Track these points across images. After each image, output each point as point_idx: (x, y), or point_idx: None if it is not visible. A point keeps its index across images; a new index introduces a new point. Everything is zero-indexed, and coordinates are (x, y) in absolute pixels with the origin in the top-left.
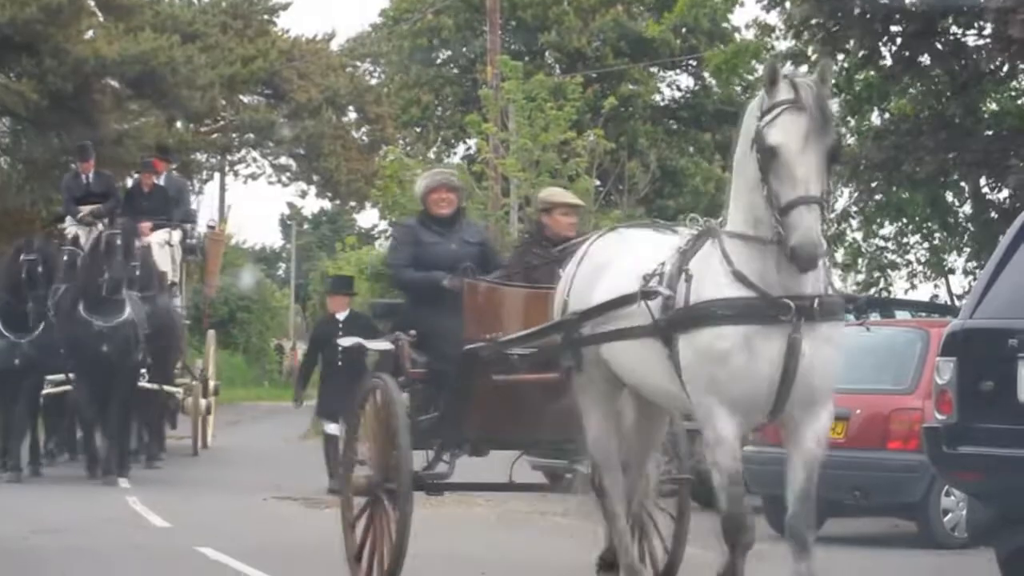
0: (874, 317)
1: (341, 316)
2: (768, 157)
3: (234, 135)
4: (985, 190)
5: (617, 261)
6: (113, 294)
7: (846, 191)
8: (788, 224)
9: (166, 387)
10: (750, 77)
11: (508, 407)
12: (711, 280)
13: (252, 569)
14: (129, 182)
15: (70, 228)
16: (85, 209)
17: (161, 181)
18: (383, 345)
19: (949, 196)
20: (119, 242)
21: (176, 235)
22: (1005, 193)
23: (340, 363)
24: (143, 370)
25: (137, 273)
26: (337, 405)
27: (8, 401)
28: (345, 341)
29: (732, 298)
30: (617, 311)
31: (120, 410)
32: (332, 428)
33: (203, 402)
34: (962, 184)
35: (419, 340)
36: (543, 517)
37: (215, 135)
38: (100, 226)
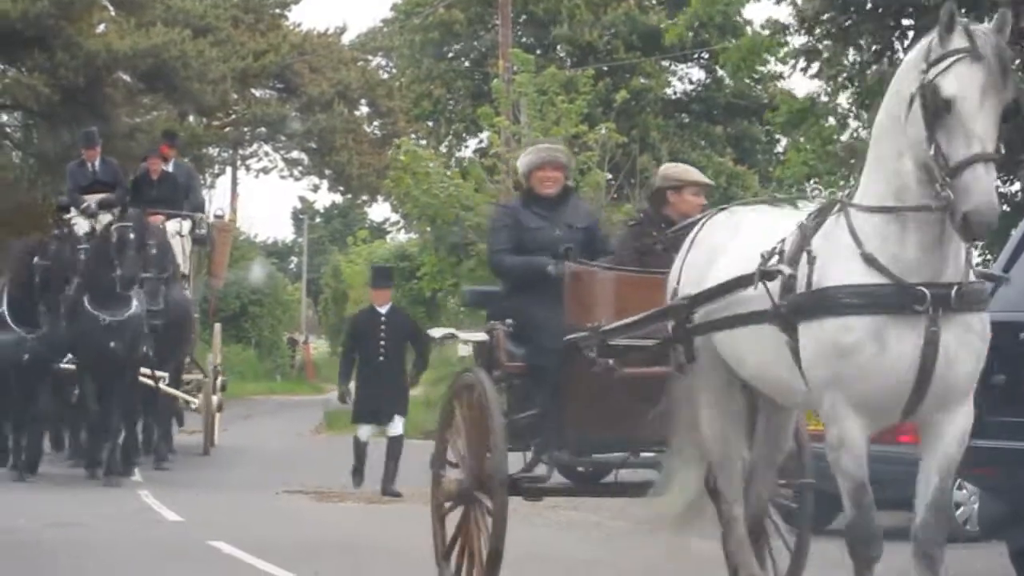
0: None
1: (383, 309)
2: (939, 111)
3: (246, 129)
4: (996, 184)
5: (731, 242)
6: (126, 290)
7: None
8: (960, 186)
9: (171, 390)
10: (763, 70)
11: (612, 404)
12: (838, 263)
13: (265, 563)
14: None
15: (76, 220)
16: (92, 199)
17: (169, 168)
18: (477, 336)
19: None
20: (131, 236)
21: (186, 225)
22: (1016, 187)
23: (382, 359)
24: (148, 363)
25: (153, 252)
26: (376, 407)
27: (17, 397)
28: (436, 332)
29: (861, 285)
30: (732, 295)
31: (125, 407)
32: (364, 433)
33: (215, 399)
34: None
35: (516, 331)
36: (554, 511)
37: (227, 129)
38: (107, 216)
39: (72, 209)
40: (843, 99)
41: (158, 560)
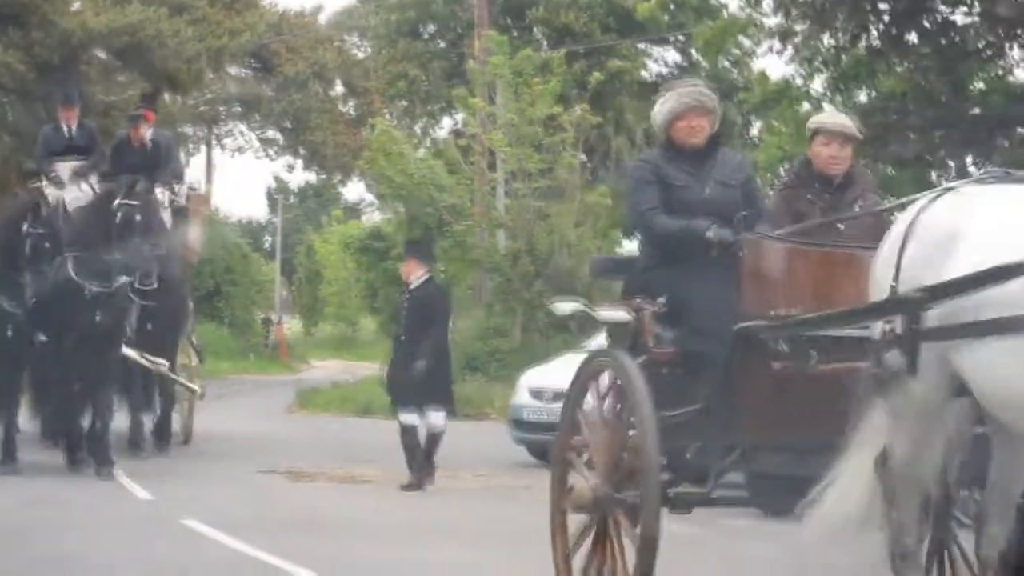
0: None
1: (412, 284)
2: None
3: (221, 108)
4: (971, 169)
5: (971, 229)
6: (124, 276)
7: None
8: None
9: (178, 378)
10: (737, 52)
11: (794, 404)
12: None
13: (238, 541)
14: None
15: (49, 190)
16: (64, 166)
17: (150, 135)
18: (618, 315)
19: (935, 175)
20: (138, 218)
21: (166, 195)
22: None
23: (403, 339)
24: (146, 346)
25: (155, 231)
26: (409, 391)
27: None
28: (563, 307)
29: None
30: (985, 293)
31: (109, 387)
32: (409, 418)
33: (199, 384)
34: (949, 163)
35: (668, 310)
36: (528, 491)
37: (202, 108)
38: (83, 187)
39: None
40: (818, 83)
41: (131, 538)
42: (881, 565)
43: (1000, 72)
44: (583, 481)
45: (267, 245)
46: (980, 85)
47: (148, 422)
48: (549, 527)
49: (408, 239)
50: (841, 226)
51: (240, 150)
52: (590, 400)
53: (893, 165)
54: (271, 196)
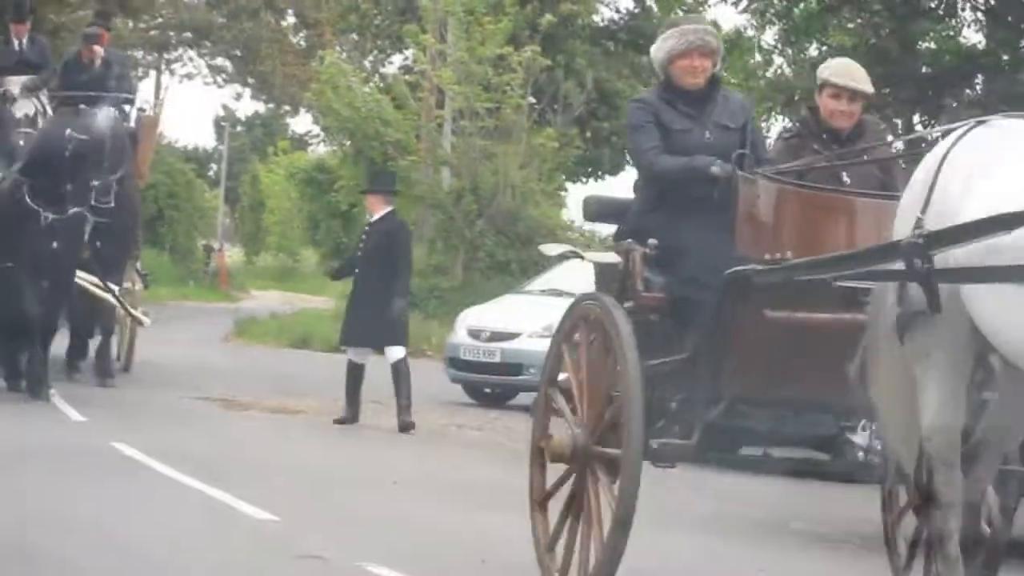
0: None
1: (372, 218)
2: None
3: (172, 33)
4: (918, 127)
5: (1004, 165)
6: (75, 206)
7: (780, 119)
8: None
9: (128, 307)
10: (690, 0)
11: (784, 356)
12: None
13: (165, 467)
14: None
15: None
16: (13, 80)
17: (102, 54)
18: (607, 257)
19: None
20: (90, 153)
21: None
22: (938, 131)
23: (358, 272)
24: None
25: (109, 153)
26: (359, 332)
27: None
28: (551, 248)
29: None
30: (1002, 237)
31: (58, 313)
32: (359, 356)
33: (142, 311)
34: (895, 120)
35: (660, 255)
36: (459, 431)
37: (152, 32)
38: (34, 102)
39: None
40: (769, 35)
41: (58, 460)
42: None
43: (951, 32)
44: (564, 429)
45: (212, 173)
46: (931, 44)
47: (90, 347)
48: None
49: (371, 171)
50: (847, 178)
51: (189, 76)
52: (574, 344)
53: None
54: (218, 124)
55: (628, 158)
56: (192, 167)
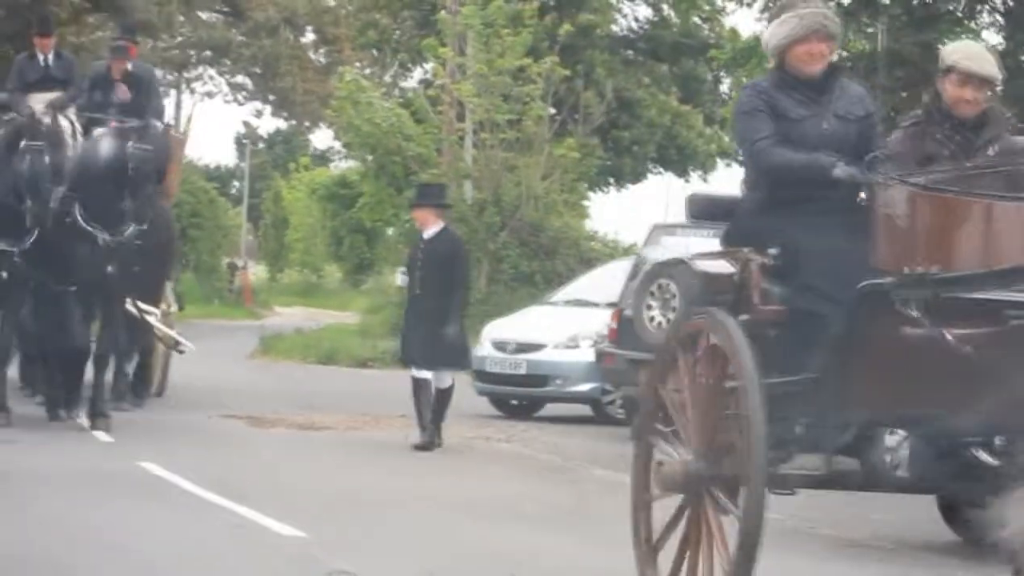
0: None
1: (427, 234)
2: None
3: (191, 52)
4: None
5: None
6: (135, 224)
7: None
8: None
9: (166, 330)
10: (709, 8)
11: (922, 376)
12: None
13: (192, 485)
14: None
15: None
16: (38, 99)
17: (131, 68)
18: (718, 266)
19: None
20: (150, 167)
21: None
22: None
23: (418, 292)
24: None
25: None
26: (422, 350)
27: None
28: (651, 252)
29: None
30: None
31: (116, 339)
32: (422, 372)
33: (175, 332)
34: None
35: (779, 262)
36: (487, 443)
37: (172, 51)
38: (61, 121)
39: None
40: None
41: (87, 480)
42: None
43: (970, 35)
44: (672, 457)
45: (234, 190)
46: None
47: (130, 372)
48: (631, 510)
49: (421, 184)
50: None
51: (209, 95)
52: (683, 363)
53: None
54: (239, 142)
55: (738, 149)
56: (214, 185)
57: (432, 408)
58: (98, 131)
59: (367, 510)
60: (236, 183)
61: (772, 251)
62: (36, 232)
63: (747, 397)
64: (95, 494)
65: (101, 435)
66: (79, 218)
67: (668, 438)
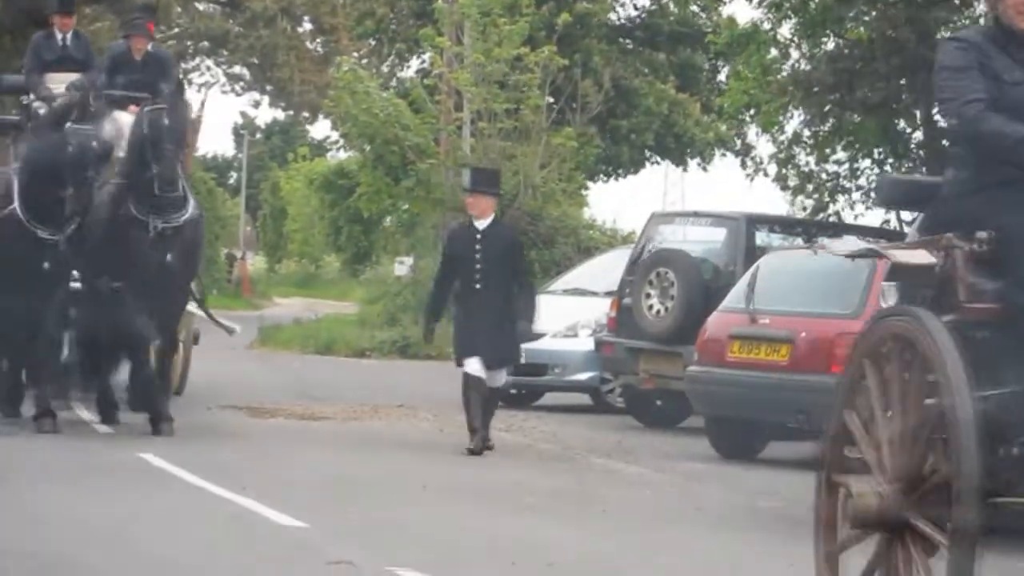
0: (823, 241)
1: (481, 224)
2: None
3: (188, 43)
4: (937, 117)
5: None
6: (166, 192)
7: (797, 114)
8: None
9: (218, 318)
10: None
11: None
12: None
13: (193, 476)
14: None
15: (37, 105)
16: (56, 79)
17: (149, 48)
18: (918, 256)
19: (901, 123)
20: (165, 122)
21: None
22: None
23: (478, 286)
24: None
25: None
26: (484, 346)
27: (30, 319)
28: (841, 246)
29: None
30: None
31: (172, 336)
32: (474, 366)
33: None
34: (914, 111)
35: (990, 251)
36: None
37: (169, 42)
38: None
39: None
40: (786, 29)
41: (87, 471)
42: None
43: (967, 22)
44: (865, 485)
45: (232, 181)
46: (947, 34)
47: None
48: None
49: (475, 169)
50: None
51: (207, 85)
52: (873, 374)
53: (859, 111)
54: (237, 132)
55: (940, 110)
56: (212, 176)
57: (482, 408)
58: (118, 114)
59: (367, 499)
60: (234, 174)
61: (981, 235)
62: (78, 220)
63: (955, 414)
64: (95, 485)
65: (100, 426)
66: (130, 205)
67: (858, 468)
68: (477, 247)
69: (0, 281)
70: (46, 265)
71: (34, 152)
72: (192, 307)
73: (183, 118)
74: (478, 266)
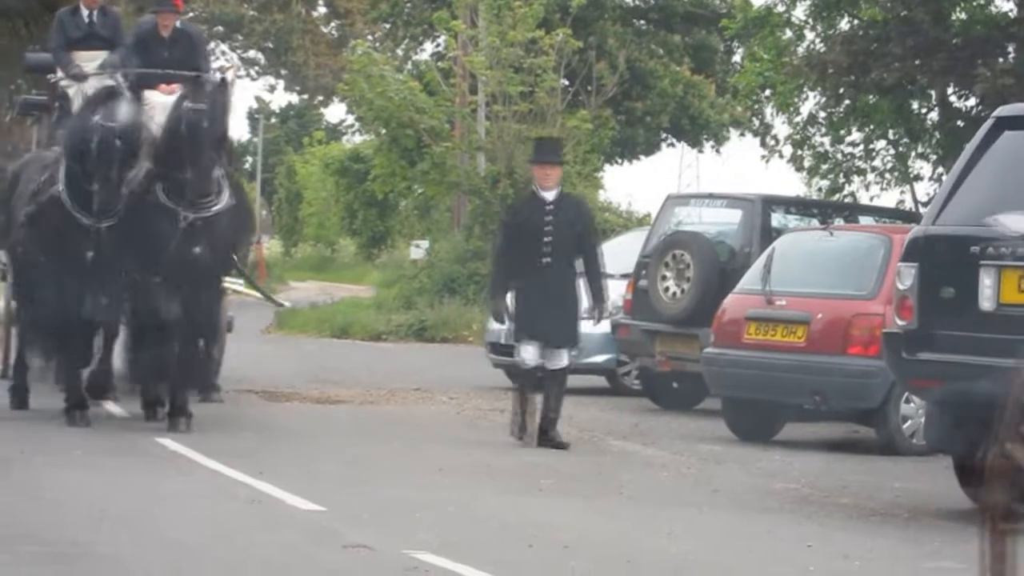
0: (838, 222)
1: (549, 195)
2: None
3: (203, 27)
4: (952, 98)
5: None
6: (198, 197)
7: (812, 95)
8: None
9: (263, 293)
10: None
11: None
12: None
13: (209, 460)
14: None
15: (66, 84)
16: (84, 57)
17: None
18: None
19: (916, 103)
20: (205, 124)
21: None
22: (972, 101)
23: (547, 261)
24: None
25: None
26: (543, 326)
27: (72, 309)
28: (1016, 220)
29: None
30: None
31: (204, 328)
32: (530, 355)
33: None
34: (929, 91)
35: None
36: (503, 416)
37: None
38: (110, 82)
39: (58, 72)
40: (800, 10)
41: (104, 456)
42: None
43: (982, 2)
44: None
45: (247, 165)
46: (961, 15)
47: (217, 355)
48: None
49: (540, 139)
50: None
51: (221, 70)
52: None
53: (874, 92)
54: (252, 117)
55: None
56: None
57: (545, 396)
58: (149, 94)
59: (383, 483)
60: (249, 158)
61: None
62: (117, 213)
63: None
64: (113, 470)
65: (117, 410)
66: (160, 194)
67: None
68: (547, 219)
69: (47, 269)
70: (90, 255)
71: (68, 138)
72: (239, 286)
73: (224, 118)
74: (547, 239)
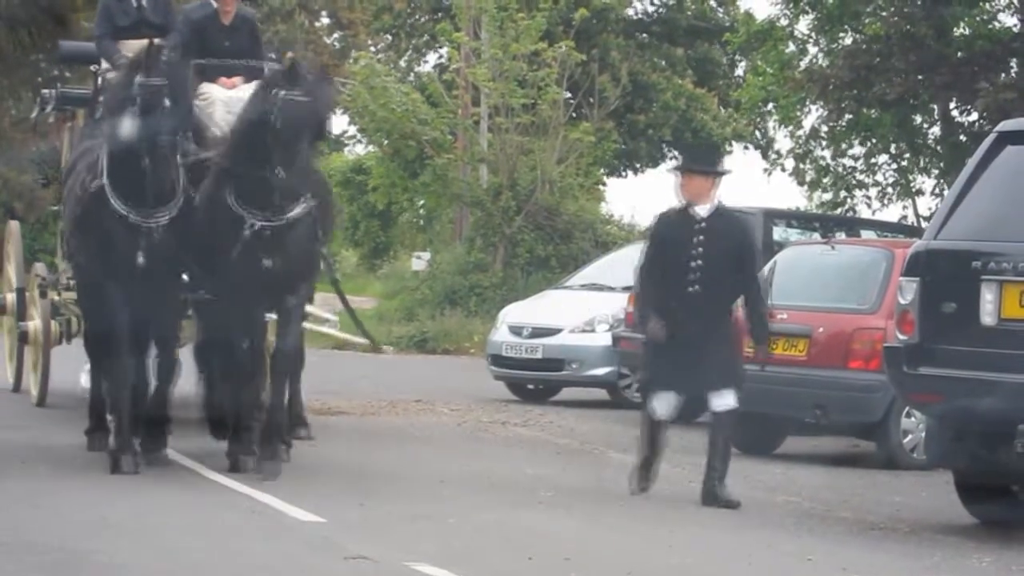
0: (840, 236)
1: (702, 211)
2: None
3: None
4: (954, 113)
5: None
6: (289, 203)
7: (815, 109)
8: None
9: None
10: None
11: None
12: None
13: (209, 471)
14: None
15: (112, 76)
16: (132, 46)
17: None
18: None
19: (918, 118)
20: (304, 126)
21: None
22: (974, 116)
23: (696, 288)
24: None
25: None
26: (682, 371)
27: (124, 334)
28: None
29: None
30: None
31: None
32: (663, 405)
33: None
34: (931, 106)
35: None
36: (503, 427)
37: None
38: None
39: (103, 62)
40: (803, 24)
41: (103, 466)
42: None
43: (984, 17)
44: None
45: None
46: (964, 30)
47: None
48: None
49: (688, 146)
50: None
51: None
52: None
53: (876, 107)
54: None
55: None
56: None
57: (710, 440)
58: (207, 87)
59: (384, 494)
60: None
61: None
62: (176, 206)
63: None
64: (115, 480)
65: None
66: (228, 197)
67: None
68: (697, 239)
69: (93, 275)
70: (140, 259)
71: (106, 104)
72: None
73: (329, 113)
74: (696, 263)
